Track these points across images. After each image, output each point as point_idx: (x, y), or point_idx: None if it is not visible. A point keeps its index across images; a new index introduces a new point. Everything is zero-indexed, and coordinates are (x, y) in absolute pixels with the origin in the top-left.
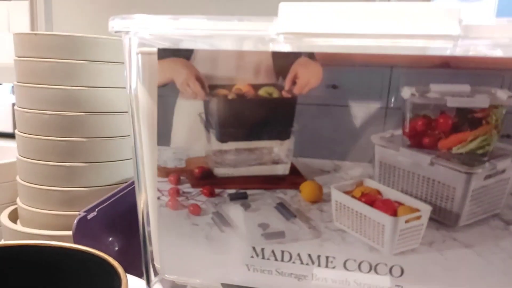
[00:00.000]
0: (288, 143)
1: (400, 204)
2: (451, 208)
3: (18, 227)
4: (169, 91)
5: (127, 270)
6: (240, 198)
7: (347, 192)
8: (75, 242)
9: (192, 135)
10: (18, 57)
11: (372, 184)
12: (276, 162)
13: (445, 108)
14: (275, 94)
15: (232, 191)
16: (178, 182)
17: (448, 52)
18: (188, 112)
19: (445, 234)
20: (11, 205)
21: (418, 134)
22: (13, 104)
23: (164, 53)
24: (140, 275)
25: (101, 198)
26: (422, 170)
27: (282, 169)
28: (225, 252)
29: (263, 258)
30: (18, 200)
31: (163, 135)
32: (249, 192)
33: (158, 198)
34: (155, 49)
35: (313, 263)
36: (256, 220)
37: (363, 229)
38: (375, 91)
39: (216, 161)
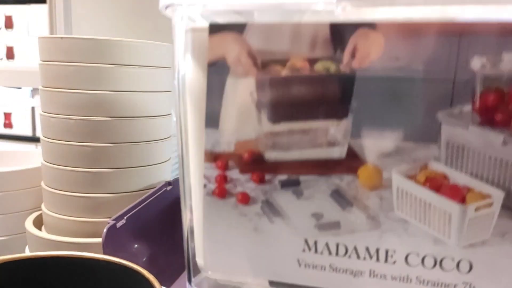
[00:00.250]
0: (345, 123)
1: (469, 189)
2: None
3: (43, 234)
4: (220, 69)
5: (156, 279)
6: (292, 185)
7: (410, 177)
8: (105, 252)
9: (242, 116)
10: (43, 61)
11: (438, 167)
12: (332, 144)
13: None
14: (332, 68)
15: (284, 177)
16: (226, 167)
17: None
18: (239, 91)
19: None
20: (36, 211)
21: (489, 110)
22: (33, 108)
23: (216, 28)
24: (170, 285)
25: (128, 205)
26: (494, 151)
27: (338, 152)
28: (274, 246)
29: (316, 252)
30: (43, 206)
31: (212, 117)
32: (301, 178)
33: (205, 186)
34: (205, 25)
35: (371, 257)
36: (309, 209)
37: (428, 218)
38: (442, 62)
39: (267, 144)
